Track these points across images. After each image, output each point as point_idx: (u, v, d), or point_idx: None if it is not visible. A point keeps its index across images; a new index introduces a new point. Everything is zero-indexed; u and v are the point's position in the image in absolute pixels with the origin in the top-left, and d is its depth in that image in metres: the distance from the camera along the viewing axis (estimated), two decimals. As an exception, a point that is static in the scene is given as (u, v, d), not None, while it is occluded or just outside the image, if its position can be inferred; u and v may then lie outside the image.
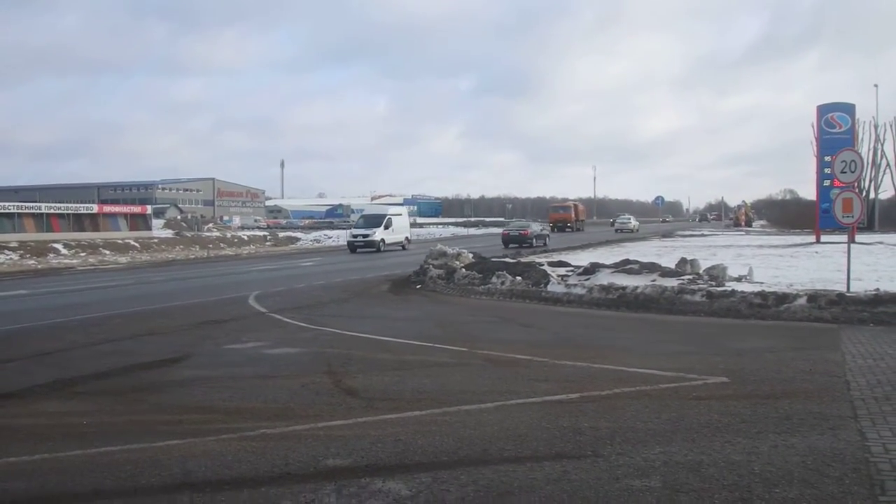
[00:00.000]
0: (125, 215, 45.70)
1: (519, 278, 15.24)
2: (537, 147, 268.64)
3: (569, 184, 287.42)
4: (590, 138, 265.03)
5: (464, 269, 16.96)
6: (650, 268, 14.88)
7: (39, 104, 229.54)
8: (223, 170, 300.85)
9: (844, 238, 16.58)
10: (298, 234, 55.44)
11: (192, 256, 35.90)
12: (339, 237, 46.96)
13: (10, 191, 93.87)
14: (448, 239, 47.71)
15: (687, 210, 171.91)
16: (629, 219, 65.40)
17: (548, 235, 39.91)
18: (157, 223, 54.90)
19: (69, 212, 41.89)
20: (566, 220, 61.30)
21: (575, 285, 14.10)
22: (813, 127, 34.95)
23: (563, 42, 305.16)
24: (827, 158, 29.31)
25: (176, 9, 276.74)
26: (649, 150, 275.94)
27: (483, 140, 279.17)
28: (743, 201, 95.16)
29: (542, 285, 14.53)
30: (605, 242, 35.69)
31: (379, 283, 18.10)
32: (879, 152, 51.93)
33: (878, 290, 11.42)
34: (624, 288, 13.11)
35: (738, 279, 14.05)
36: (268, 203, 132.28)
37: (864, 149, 47.53)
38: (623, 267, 15.22)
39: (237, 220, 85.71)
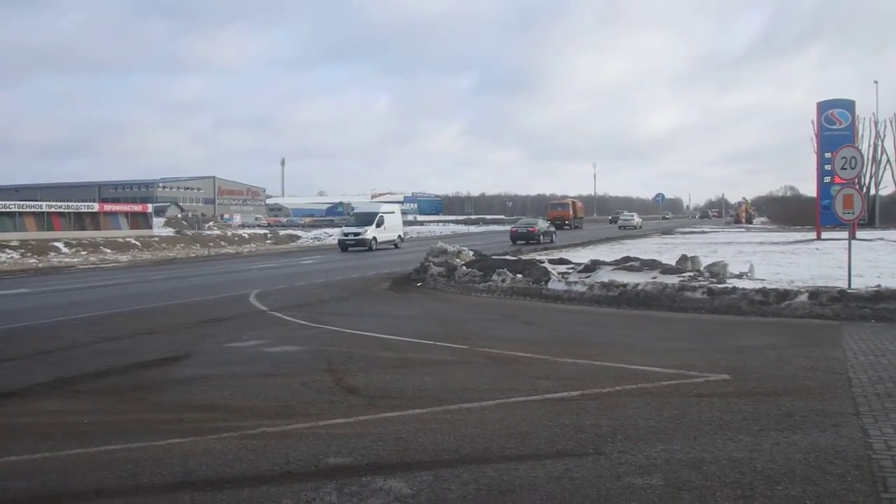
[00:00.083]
0: (126, 214, 45.69)
1: (519, 276, 15.23)
2: (538, 144, 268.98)
3: (569, 181, 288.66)
4: (590, 135, 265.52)
5: (464, 267, 16.96)
6: (651, 265, 14.87)
7: (40, 103, 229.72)
8: (224, 168, 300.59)
9: (845, 234, 16.57)
10: (299, 233, 55.44)
11: (193, 255, 35.89)
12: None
13: (11, 189, 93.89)
14: (448, 237, 47.76)
15: (687, 207, 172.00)
16: (632, 216, 70.61)
17: (554, 232, 40.35)
18: (157, 222, 54.91)
19: (70, 210, 41.86)
20: (564, 217, 61.23)
21: (575, 282, 14.09)
22: (813, 124, 34.97)
23: (563, 40, 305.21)
24: (827, 155, 29.30)
25: (176, 7, 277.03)
26: (650, 148, 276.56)
27: (484, 137, 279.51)
28: (743, 198, 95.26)
29: (543, 283, 14.52)
30: (605, 240, 35.66)
31: (379, 281, 18.10)
32: (880, 149, 52.02)
33: (879, 286, 11.40)
34: (625, 285, 13.10)
35: (739, 276, 14.02)
36: (268, 201, 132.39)
37: (865, 145, 47.71)
38: (624, 264, 15.20)
39: (238, 219, 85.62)
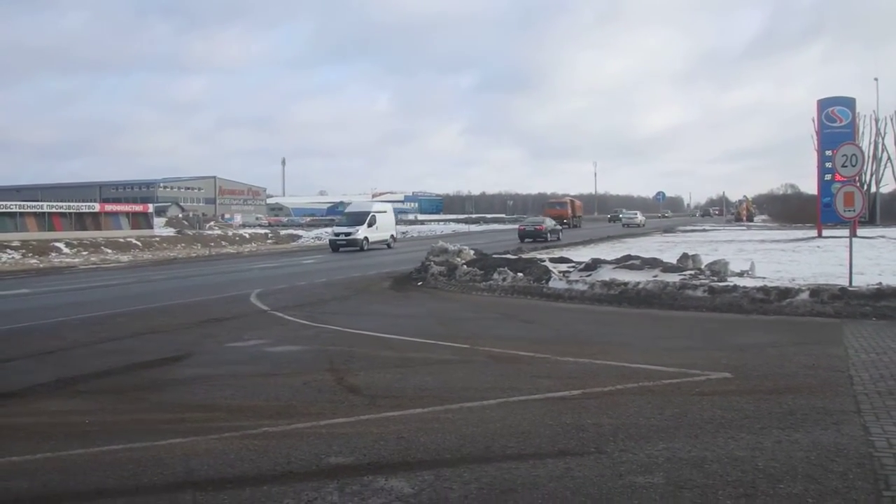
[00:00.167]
0: (127, 214, 45.69)
1: (520, 275, 15.22)
2: (539, 143, 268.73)
3: (570, 180, 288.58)
4: (591, 134, 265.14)
5: (465, 266, 16.95)
6: (652, 263, 14.87)
7: (41, 103, 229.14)
8: (224, 168, 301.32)
9: (846, 232, 16.58)
10: (300, 232, 55.50)
11: (194, 255, 35.91)
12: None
13: (13, 190, 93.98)
14: (449, 236, 47.74)
15: (688, 205, 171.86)
16: (636, 214, 72.85)
17: (560, 230, 40.94)
18: (158, 221, 54.86)
19: (71, 211, 41.85)
20: (562, 216, 61.15)
21: (576, 281, 14.08)
22: (814, 121, 34.95)
23: (563, 38, 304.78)
24: (828, 152, 29.33)
25: (178, 7, 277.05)
26: (651, 146, 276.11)
27: (484, 136, 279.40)
28: (744, 196, 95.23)
29: (544, 281, 14.52)
30: (605, 238, 35.66)
31: (380, 280, 18.10)
32: (880, 146, 52.07)
33: (880, 284, 11.39)
34: (626, 284, 13.10)
35: (740, 274, 14.02)
36: (269, 201, 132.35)
37: (865, 143, 47.67)
38: (625, 263, 15.21)
39: (238, 218, 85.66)
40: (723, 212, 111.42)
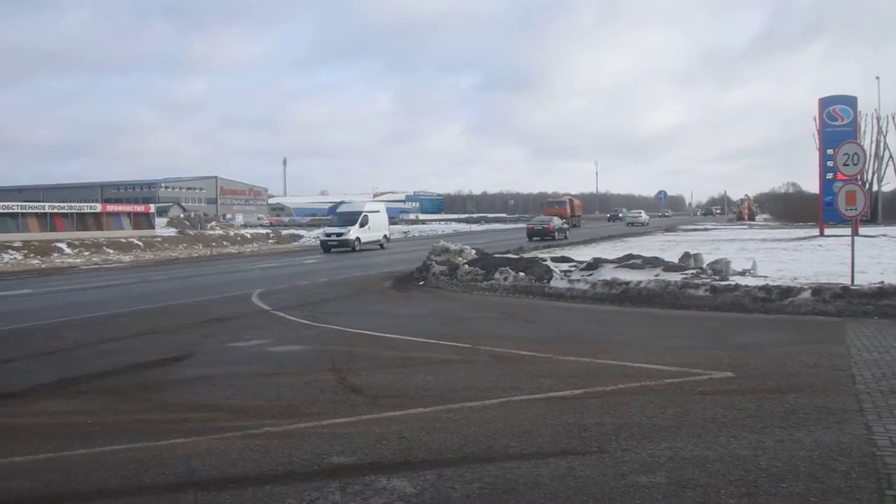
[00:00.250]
0: (128, 214, 45.67)
1: (522, 274, 15.22)
2: (539, 142, 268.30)
3: (571, 179, 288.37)
4: (592, 133, 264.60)
5: (466, 266, 16.95)
6: (653, 262, 14.86)
7: (41, 103, 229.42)
8: (226, 168, 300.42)
9: (848, 231, 16.55)
10: (301, 232, 55.49)
11: (195, 255, 35.93)
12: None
13: (14, 190, 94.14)
14: (450, 235, 47.75)
15: (689, 204, 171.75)
16: (640, 213, 75.50)
17: (567, 229, 41.97)
18: (160, 222, 54.86)
19: (72, 211, 41.84)
20: (561, 215, 61.24)
21: (578, 281, 14.07)
22: (815, 120, 34.92)
23: (564, 37, 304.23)
24: (829, 151, 29.24)
25: (178, 7, 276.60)
26: (652, 145, 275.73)
27: (485, 136, 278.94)
28: (746, 195, 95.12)
29: (546, 281, 14.51)
30: (607, 237, 35.67)
31: (381, 280, 18.11)
32: (882, 144, 51.98)
33: (882, 282, 11.38)
34: (627, 283, 13.09)
35: (742, 273, 14.00)
36: (270, 201, 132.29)
37: (867, 141, 47.62)
38: (626, 262, 15.20)
39: (240, 218, 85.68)
40: (724, 211, 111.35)
